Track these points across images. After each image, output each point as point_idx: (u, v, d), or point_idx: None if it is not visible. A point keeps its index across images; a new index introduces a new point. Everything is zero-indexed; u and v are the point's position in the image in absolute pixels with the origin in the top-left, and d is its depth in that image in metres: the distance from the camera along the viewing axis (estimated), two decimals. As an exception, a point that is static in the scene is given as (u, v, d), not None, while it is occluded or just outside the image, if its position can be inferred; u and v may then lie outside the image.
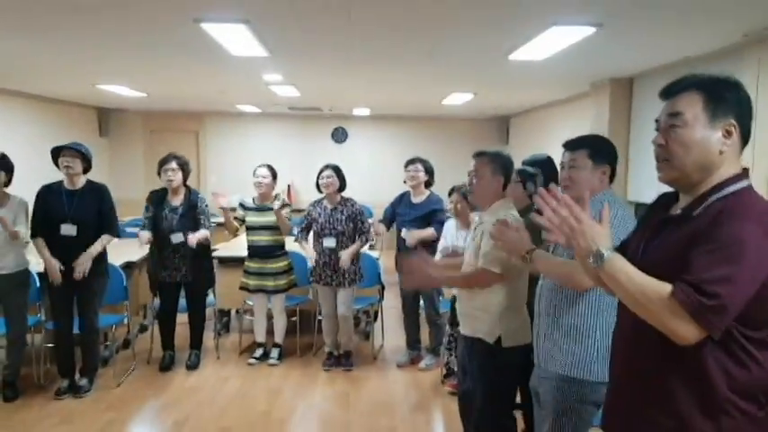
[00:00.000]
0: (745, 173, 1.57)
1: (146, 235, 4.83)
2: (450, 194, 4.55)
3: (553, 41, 4.53)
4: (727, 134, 1.55)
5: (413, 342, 5.26)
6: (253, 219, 5.10)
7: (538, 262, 2.43)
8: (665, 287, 1.44)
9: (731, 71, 4.40)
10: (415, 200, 5.07)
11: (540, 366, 2.57)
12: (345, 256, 4.81)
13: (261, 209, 5.10)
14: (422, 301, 5.10)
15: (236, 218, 5.09)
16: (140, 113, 11.60)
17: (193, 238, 4.75)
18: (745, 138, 1.58)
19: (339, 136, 11.99)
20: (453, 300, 4.38)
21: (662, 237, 1.61)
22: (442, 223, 4.79)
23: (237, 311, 6.31)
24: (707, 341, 1.45)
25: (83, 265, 4.29)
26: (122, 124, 11.61)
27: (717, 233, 1.43)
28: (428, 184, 5.08)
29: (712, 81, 1.60)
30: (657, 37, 4.52)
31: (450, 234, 4.56)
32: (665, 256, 1.54)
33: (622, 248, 1.72)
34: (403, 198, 5.17)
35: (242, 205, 5.19)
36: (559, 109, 8.82)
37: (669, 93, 1.66)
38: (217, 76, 6.84)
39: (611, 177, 2.54)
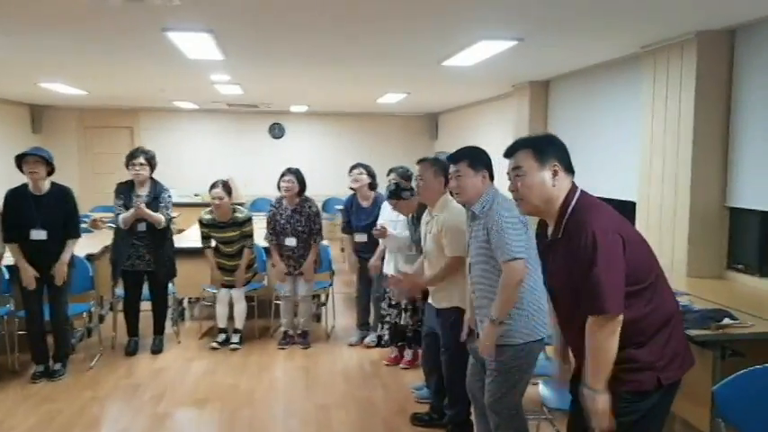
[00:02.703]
0: (573, 188, 2.25)
1: (127, 215, 5.15)
2: (388, 174, 5.04)
3: (481, 51, 5.16)
4: (554, 173, 2.23)
5: (363, 323, 5.78)
6: (217, 235, 5.54)
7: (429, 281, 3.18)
8: (587, 329, 2.12)
9: (631, 78, 5.19)
10: (364, 204, 5.54)
11: (478, 332, 3.11)
12: (307, 266, 5.43)
13: (222, 226, 5.52)
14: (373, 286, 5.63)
15: (202, 236, 5.56)
16: (74, 110, 11.60)
17: (144, 209, 5.06)
18: (568, 169, 2.26)
19: (276, 132, 12.35)
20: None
21: (551, 259, 2.31)
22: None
23: (190, 300, 6.69)
24: None
25: (61, 273, 4.66)
26: (56, 121, 11.57)
27: (577, 255, 2.09)
28: (372, 186, 5.59)
29: (535, 139, 2.33)
30: (569, 48, 5.23)
31: (387, 211, 4.99)
32: (559, 272, 2.24)
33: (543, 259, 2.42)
34: (352, 204, 5.64)
35: (201, 222, 5.59)
36: (484, 107, 9.54)
37: (509, 153, 2.34)
38: (166, 77, 7.14)
39: (491, 178, 3.12)
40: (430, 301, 3.78)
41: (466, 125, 10.43)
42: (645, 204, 5.05)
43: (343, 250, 7.03)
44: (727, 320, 3.23)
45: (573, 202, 2.21)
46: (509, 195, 2.47)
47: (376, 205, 5.42)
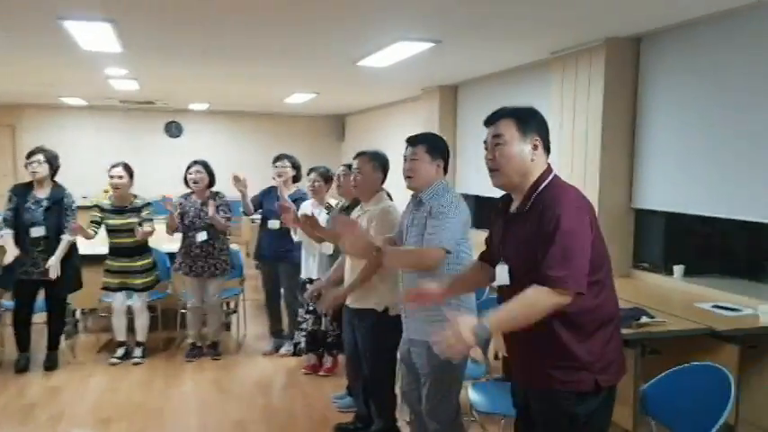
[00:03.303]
0: (548, 169, 2.21)
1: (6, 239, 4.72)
2: (309, 174, 4.89)
3: (398, 53, 5.11)
4: (534, 147, 2.18)
5: (276, 331, 5.56)
6: (112, 221, 5.08)
7: (387, 257, 2.93)
8: (529, 290, 2.01)
9: (540, 83, 5.32)
10: (285, 193, 5.35)
11: (410, 338, 3.06)
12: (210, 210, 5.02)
13: (120, 211, 5.10)
14: (282, 290, 5.44)
15: (92, 221, 5.05)
16: (-55, 105, 10.56)
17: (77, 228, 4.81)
18: (547, 148, 2.21)
19: (173, 130, 11.81)
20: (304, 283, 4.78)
21: (511, 233, 2.22)
22: None
23: (84, 311, 6.20)
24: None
25: (55, 267, 4.71)
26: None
27: (546, 225, 2.03)
28: (295, 179, 5.38)
29: (520, 110, 2.23)
30: (484, 52, 5.29)
31: (305, 211, 4.86)
32: (518, 247, 2.15)
33: (489, 241, 2.34)
34: (270, 192, 5.42)
35: (99, 207, 5.15)
36: (393, 109, 9.55)
37: (491, 120, 2.26)
38: (56, 70, 6.61)
39: (445, 170, 3.08)
40: (347, 302, 3.66)
41: (374, 127, 10.41)
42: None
43: (248, 255, 6.81)
44: (645, 319, 3.34)
45: (547, 180, 2.16)
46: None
47: (294, 196, 5.19)
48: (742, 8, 3.73)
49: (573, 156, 4.92)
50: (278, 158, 5.35)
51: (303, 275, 4.86)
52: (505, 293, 2.19)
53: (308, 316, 4.80)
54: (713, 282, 4.20)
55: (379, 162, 3.59)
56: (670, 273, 4.43)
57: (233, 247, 5.67)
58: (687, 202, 4.21)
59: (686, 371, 2.58)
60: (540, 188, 2.15)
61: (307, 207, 4.91)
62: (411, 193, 3.12)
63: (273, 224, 5.27)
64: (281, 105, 10.08)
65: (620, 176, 4.69)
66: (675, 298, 4.06)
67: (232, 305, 6.10)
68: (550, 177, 2.18)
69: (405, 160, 3.03)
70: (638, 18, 4.15)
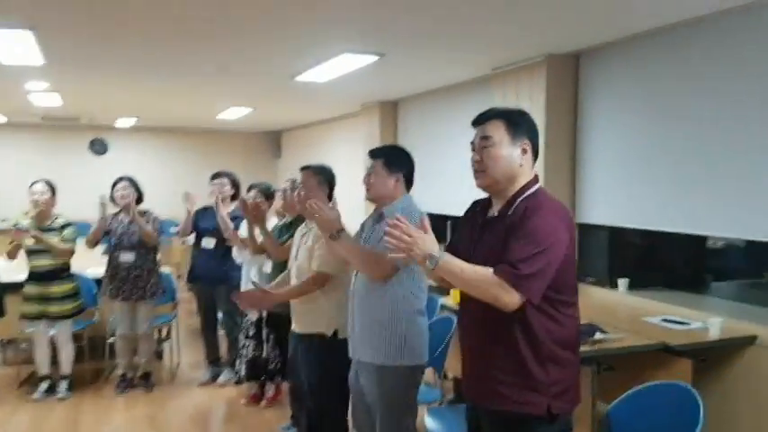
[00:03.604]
0: (536, 178, 2.11)
1: None
2: (249, 191, 4.66)
3: (340, 67, 4.98)
4: (524, 151, 2.08)
5: (214, 359, 5.28)
6: (30, 241, 4.70)
7: (343, 244, 2.77)
8: (490, 269, 1.90)
9: (481, 99, 5.31)
10: (222, 211, 5.09)
11: (359, 361, 2.91)
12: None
13: (40, 229, 4.72)
14: (220, 315, 5.17)
15: (11, 242, 4.66)
16: None
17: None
18: (535, 153, 2.11)
19: (98, 147, 11.28)
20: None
21: (486, 235, 2.09)
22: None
23: (2, 342, 5.73)
24: (529, 307, 1.94)
25: None
26: None
27: (524, 225, 1.94)
28: (234, 197, 5.12)
29: (510, 112, 2.13)
30: (426, 67, 5.22)
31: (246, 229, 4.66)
32: (492, 250, 2.01)
33: (453, 248, 2.17)
34: (206, 211, 5.16)
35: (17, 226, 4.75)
36: (331, 125, 9.42)
37: (479, 121, 2.13)
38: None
39: (410, 184, 2.96)
40: (292, 327, 3.47)
41: (312, 143, 10.23)
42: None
43: (179, 277, 6.48)
44: (599, 335, 3.30)
45: (533, 189, 2.07)
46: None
47: (237, 215, 4.92)
48: (678, 24, 3.79)
49: (517, 171, 4.90)
50: (216, 176, 5.10)
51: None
52: (469, 299, 2.07)
53: (248, 342, 4.55)
54: (657, 294, 4.23)
55: (324, 176, 3.45)
56: (614, 286, 4.44)
57: (163, 269, 5.37)
58: (629, 216, 4.23)
59: (650, 390, 2.54)
60: (526, 194, 2.05)
61: (245, 226, 4.69)
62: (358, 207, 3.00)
63: (208, 243, 5.01)
64: (214, 121, 9.77)
65: (564, 192, 4.68)
66: (623, 312, 4.06)
67: (164, 332, 5.76)
68: (536, 187, 2.09)
69: (366, 173, 2.95)
70: (577, 35, 4.18)
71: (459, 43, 4.38)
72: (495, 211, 2.13)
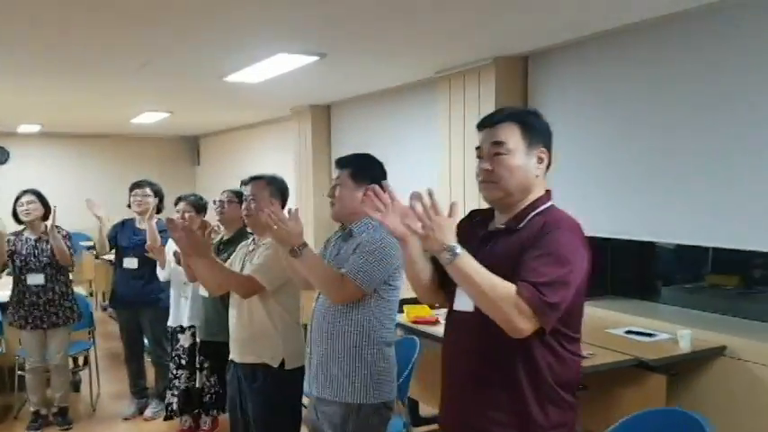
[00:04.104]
0: (548, 193, 1.86)
1: None
2: (176, 204, 4.20)
3: (276, 67, 4.61)
4: (540, 160, 1.82)
5: (139, 389, 4.77)
6: None
7: (305, 260, 2.41)
8: (511, 285, 1.63)
9: (425, 102, 5.06)
10: (142, 225, 4.62)
11: (318, 398, 2.58)
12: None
13: None
14: (146, 341, 4.68)
15: None
16: None
17: None
18: (549, 162, 1.86)
19: (-2, 156, 10.31)
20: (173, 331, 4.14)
21: (489, 248, 1.82)
22: None
23: None
24: (534, 339, 1.68)
25: None
26: None
27: (545, 242, 1.68)
28: (158, 209, 4.67)
29: (525, 113, 1.87)
30: (369, 69, 4.94)
31: (173, 245, 4.23)
32: (497, 264, 1.73)
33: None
34: (125, 225, 4.66)
35: None
36: (257, 130, 8.95)
37: (489, 123, 1.85)
38: None
39: None
40: (231, 356, 3.09)
41: (234, 149, 9.70)
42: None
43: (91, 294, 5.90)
44: (569, 353, 3.10)
45: (548, 204, 1.83)
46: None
47: (161, 230, 4.47)
48: (630, 27, 3.69)
49: (465, 179, 4.69)
50: (137, 185, 4.62)
51: (172, 322, 4.18)
52: (466, 323, 1.81)
53: (181, 371, 4.11)
54: (613, 304, 4.12)
55: (276, 187, 3.09)
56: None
57: (77, 290, 4.82)
58: (582, 223, 4.10)
59: (646, 416, 2.34)
60: (540, 209, 1.80)
61: (174, 245, 4.25)
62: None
63: (131, 263, 4.52)
64: (127, 126, 9.08)
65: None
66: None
67: (80, 360, 5.18)
68: (550, 202, 1.84)
69: (332, 185, 2.62)
70: (526, 36, 4.03)
71: (405, 44, 4.13)
72: (499, 223, 1.86)
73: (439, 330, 3.74)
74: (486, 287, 1.63)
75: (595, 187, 4.02)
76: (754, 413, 3.12)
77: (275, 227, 2.39)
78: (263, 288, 2.85)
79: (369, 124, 6.27)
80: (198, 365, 4.05)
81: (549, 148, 1.85)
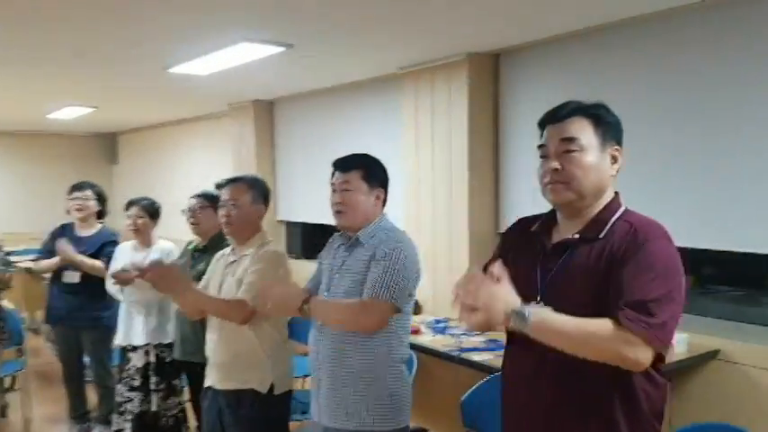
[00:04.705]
0: (618, 195, 1.68)
1: None
2: (127, 209, 3.78)
3: (232, 58, 4.25)
4: (614, 159, 1.65)
5: (79, 413, 4.29)
6: None
7: (316, 309, 2.21)
8: (605, 321, 1.44)
9: (393, 97, 4.83)
10: (82, 233, 4.15)
11: (328, 427, 2.32)
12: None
13: None
14: (87, 359, 4.20)
15: None
16: None
17: None
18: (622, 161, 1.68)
19: None
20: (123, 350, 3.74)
21: (563, 261, 1.61)
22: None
23: None
24: None
25: None
26: None
27: (643, 254, 1.50)
28: (101, 214, 4.20)
29: (594, 107, 1.67)
30: (334, 62, 4.65)
31: (124, 257, 3.79)
32: (576, 278, 1.55)
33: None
34: (64, 231, 4.16)
35: None
36: (182, 128, 8.42)
37: (556, 118, 1.66)
38: None
39: (384, 203, 2.44)
40: (209, 382, 2.75)
41: (159, 146, 9.09)
42: (414, 236, 4.71)
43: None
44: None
45: (623, 207, 1.66)
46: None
47: (101, 236, 4.12)
48: (605, 26, 3.63)
49: (434, 179, 4.51)
50: (77, 187, 4.16)
51: (122, 341, 3.75)
52: (537, 345, 1.56)
53: (132, 394, 3.69)
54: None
55: (259, 191, 2.79)
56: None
57: (4, 304, 4.28)
58: None
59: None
60: (618, 213, 1.62)
61: (125, 252, 3.83)
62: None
63: (72, 277, 4.05)
64: (41, 123, 8.31)
65: (487, 200, 4.38)
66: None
67: (7, 381, 4.59)
68: (624, 207, 1.66)
69: (333, 190, 2.31)
70: (498, 33, 3.89)
71: (376, 35, 3.89)
72: (567, 231, 1.66)
73: (423, 340, 3.57)
74: (580, 336, 1.44)
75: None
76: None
77: (268, 306, 2.21)
78: (252, 314, 2.55)
79: (319, 122, 5.95)
80: (153, 387, 3.66)
81: (621, 144, 1.68)
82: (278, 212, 6.42)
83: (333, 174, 2.37)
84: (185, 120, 8.20)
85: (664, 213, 3.05)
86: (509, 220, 4.33)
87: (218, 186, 2.99)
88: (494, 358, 3.11)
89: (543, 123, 1.70)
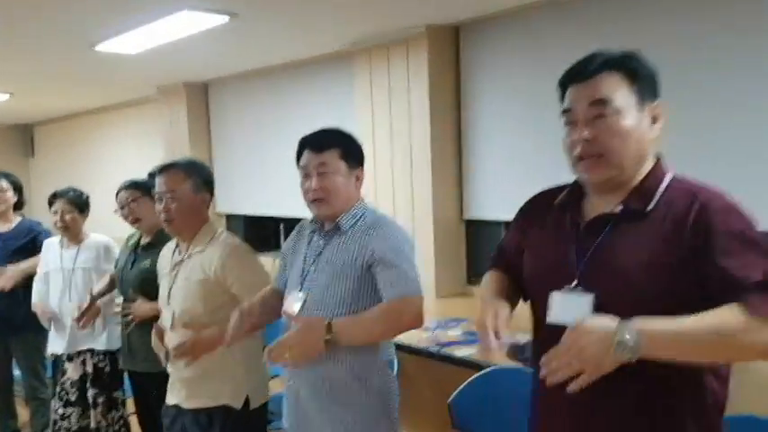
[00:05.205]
0: (661, 159, 1.41)
1: None
2: (51, 203, 3.30)
3: (166, 32, 3.82)
4: (654, 120, 1.36)
5: (10, 431, 3.78)
6: None
7: (345, 334, 1.82)
8: (730, 310, 1.18)
9: (345, 77, 4.49)
10: (1, 228, 3.66)
11: None
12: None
13: None
14: (17, 371, 3.71)
15: None
16: None
17: None
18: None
19: None
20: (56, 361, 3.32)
21: (606, 240, 1.35)
22: None
23: None
24: None
25: None
26: None
27: (731, 226, 1.25)
28: (19, 205, 3.72)
29: (627, 57, 1.36)
30: (277, 35, 4.29)
31: (54, 255, 3.34)
32: (632, 257, 1.29)
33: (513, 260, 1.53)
34: None
35: None
36: (105, 116, 7.79)
37: (582, 75, 1.35)
38: None
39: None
40: (173, 400, 2.38)
41: (82, 137, 8.39)
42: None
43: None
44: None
45: (671, 173, 1.37)
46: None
47: (24, 228, 3.68)
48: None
49: (393, 162, 4.23)
50: None
51: (56, 349, 3.31)
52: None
53: (69, 410, 3.24)
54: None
55: (200, 177, 2.39)
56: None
57: None
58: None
59: (491, 375, 2.46)
60: (667, 180, 1.35)
61: (53, 249, 3.38)
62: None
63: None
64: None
65: (450, 184, 4.14)
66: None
67: None
68: (671, 172, 1.38)
69: (305, 175, 1.97)
70: (458, 4, 3.65)
71: (326, 6, 3.56)
72: (603, 204, 1.39)
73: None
74: (705, 337, 1.18)
75: (538, 170, 3.69)
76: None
77: (288, 357, 1.82)
78: None
79: (262, 105, 5.55)
80: (92, 401, 3.24)
81: (660, 99, 1.39)
82: (217, 204, 5.99)
83: (300, 155, 2.00)
84: (110, 107, 7.57)
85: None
86: (475, 205, 4.11)
87: (151, 175, 2.60)
88: (476, 353, 2.89)
89: (566, 82, 1.40)
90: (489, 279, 1.60)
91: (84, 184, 3.51)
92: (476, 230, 4.20)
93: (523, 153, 3.80)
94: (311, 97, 5.05)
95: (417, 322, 1.85)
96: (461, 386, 2.49)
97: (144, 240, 2.88)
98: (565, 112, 1.38)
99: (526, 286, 1.53)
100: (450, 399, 2.46)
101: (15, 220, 3.72)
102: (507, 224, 3.85)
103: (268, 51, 4.78)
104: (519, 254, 1.55)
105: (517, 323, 1.48)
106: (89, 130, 8.23)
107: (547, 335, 1.38)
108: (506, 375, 2.49)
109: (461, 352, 2.92)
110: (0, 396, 3.78)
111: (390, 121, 4.23)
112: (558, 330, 1.30)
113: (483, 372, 2.52)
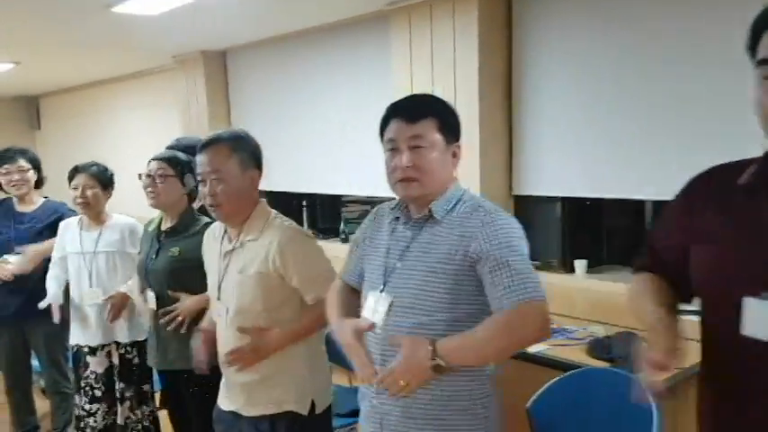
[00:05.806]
0: None
1: None
2: (71, 178, 3.01)
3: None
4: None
5: (29, 429, 3.58)
6: None
7: (453, 356, 1.53)
8: None
9: (380, 41, 4.13)
10: (24, 208, 3.39)
11: None
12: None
13: None
14: (37, 363, 3.46)
15: None
16: None
17: None
18: None
19: None
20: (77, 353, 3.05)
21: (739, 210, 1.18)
22: None
23: None
24: None
25: None
26: None
27: None
28: (39, 183, 3.45)
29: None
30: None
31: (73, 237, 3.07)
32: None
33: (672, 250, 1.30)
34: (2, 207, 3.41)
35: None
36: (115, 86, 7.45)
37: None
38: None
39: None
40: (231, 406, 2.10)
41: (91, 109, 8.06)
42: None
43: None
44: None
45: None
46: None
47: (48, 209, 3.43)
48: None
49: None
50: (5, 158, 3.37)
51: (79, 340, 3.05)
52: None
53: (95, 405, 3.00)
54: (618, 276, 3.55)
55: (245, 151, 2.08)
56: (571, 270, 3.69)
57: None
58: (582, 184, 3.42)
59: (571, 379, 2.22)
60: None
61: (72, 230, 3.09)
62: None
63: (12, 260, 3.27)
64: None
65: (500, 157, 3.82)
66: (607, 304, 3.32)
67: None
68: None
69: (392, 149, 1.65)
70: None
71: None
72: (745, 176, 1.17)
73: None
74: None
75: (597, 141, 3.37)
76: None
77: (402, 383, 1.54)
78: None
79: (285, 74, 5.19)
80: (119, 395, 2.98)
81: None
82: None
83: (385, 125, 1.69)
84: (122, 77, 7.21)
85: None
86: (525, 179, 3.79)
87: (170, 148, 2.29)
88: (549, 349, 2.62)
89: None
90: (644, 288, 1.33)
91: (95, 159, 3.20)
92: (525, 207, 3.88)
93: (583, 125, 3.46)
94: (340, 66, 4.69)
95: (544, 333, 1.55)
96: (541, 389, 2.22)
97: (165, 225, 2.57)
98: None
99: (698, 287, 1.25)
100: (529, 404, 2.21)
101: (38, 200, 3.45)
102: (561, 201, 3.63)
103: (293, 15, 4.40)
104: (681, 250, 1.27)
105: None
106: (99, 101, 7.89)
107: (738, 349, 1.14)
108: (594, 377, 2.23)
109: (537, 348, 2.61)
110: (18, 391, 3.55)
111: (432, 90, 3.88)
112: (752, 346, 1.06)
113: (568, 373, 2.24)
